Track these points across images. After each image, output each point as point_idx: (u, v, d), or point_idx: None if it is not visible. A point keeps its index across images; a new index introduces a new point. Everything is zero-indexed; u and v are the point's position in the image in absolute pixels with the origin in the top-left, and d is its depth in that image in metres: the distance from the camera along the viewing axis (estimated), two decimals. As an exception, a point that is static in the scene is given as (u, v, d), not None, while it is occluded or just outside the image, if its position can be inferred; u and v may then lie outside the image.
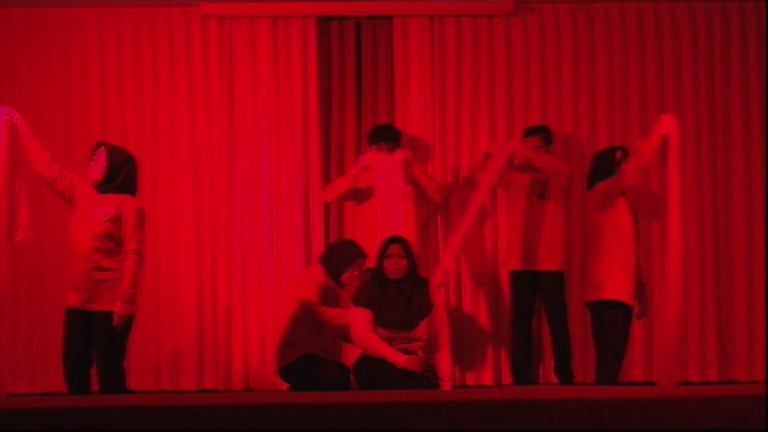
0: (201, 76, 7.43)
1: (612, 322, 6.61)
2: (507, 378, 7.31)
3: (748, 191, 7.47)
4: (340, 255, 6.55)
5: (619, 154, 6.67)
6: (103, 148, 5.91)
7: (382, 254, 6.34)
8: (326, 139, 7.54)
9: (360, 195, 7.10)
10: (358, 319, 6.25)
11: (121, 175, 5.83)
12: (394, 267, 6.30)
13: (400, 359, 6.16)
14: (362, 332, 6.23)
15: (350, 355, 6.57)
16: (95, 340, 5.82)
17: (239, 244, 7.36)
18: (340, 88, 7.57)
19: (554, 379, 7.15)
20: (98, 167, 5.83)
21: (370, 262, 6.57)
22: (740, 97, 7.50)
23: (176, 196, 7.38)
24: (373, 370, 6.20)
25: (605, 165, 6.68)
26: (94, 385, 5.92)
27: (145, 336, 7.28)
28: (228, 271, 7.36)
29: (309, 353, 6.35)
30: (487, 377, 7.37)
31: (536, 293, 7.11)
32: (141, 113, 7.40)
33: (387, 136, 7.05)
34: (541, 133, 7.12)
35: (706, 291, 7.45)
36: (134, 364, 7.24)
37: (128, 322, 5.85)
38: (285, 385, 6.62)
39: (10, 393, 6.96)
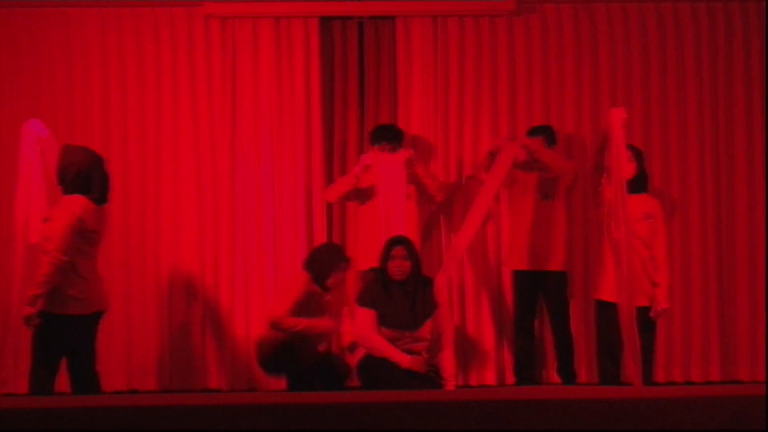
0: (204, 77, 7.42)
1: (601, 322, 6.62)
2: (510, 378, 7.30)
3: (750, 191, 7.46)
4: (322, 260, 6.52)
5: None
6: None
7: (386, 255, 6.35)
8: (329, 138, 7.53)
9: (362, 195, 7.10)
10: (362, 320, 6.26)
11: (68, 176, 5.72)
12: (398, 268, 6.30)
13: (403, 359, 6.17)
14: (366, 332, 6.23)
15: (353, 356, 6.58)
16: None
17: (242, 244, 7.36)
18: (342, 87, 7.56)
19: (557, 378, 7.15)
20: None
21: (374, 263, 6.57)
22: (743, 96, 7.49)
23: (179, 196, 7.37)
24: (377, 370, 6.20)
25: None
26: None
27: (148, 336, 7.29)
28: (231, 272, 7.35)
29: (286, 340, 6.32)
30: (490, 377, 7.36)
31: (539, 293, 7.10)
32: (143, 113, 7.39)
33: (389, 135, 7.04)
34: (545, 132, 7.11)
35: (709, 291, 7.44)
36: (136, 363, 7.28)
37: (44, 323, 5.65)
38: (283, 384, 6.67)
39: (11, 393, 6.99)
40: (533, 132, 7.11)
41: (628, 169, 6.38)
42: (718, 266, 7.47)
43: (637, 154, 6.63)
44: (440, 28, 7.51)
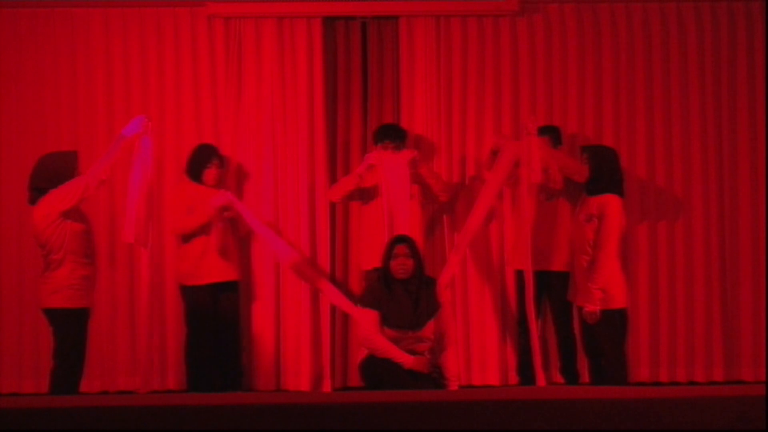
0: (207, 76, 7.42)
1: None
2: (513, 378, 7.30)
3: (753, 191, 7.45)
4: (193, 158, 6.98)
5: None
6: None
7: (389, 254, 6.35)
8: (332, 138, 7.53)
9: (366, 194, 7.09)
10: (365, 320, 6.26)
11: None
12: (401, 267, 6.30)
13: (407, 359, 6.16)
14: (369, 333, 6.23)
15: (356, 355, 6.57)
16: None
17: (245, 244, 7.35)
18: (345, 87, 7.56)
19: (560, 379, 7.14)
20: None
21: (377, 263, 6.56)
22: (746, 96, 7.48)
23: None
24: (380, 370, 6.20)
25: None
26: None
27: (150, 335, 7.28)
28: (234, 271, 7.35)
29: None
30: (493, 377, 7.36)
31: (542, 293, 7.09)
32: (147, 113, 7.34)
33: (392, 135, 7.04)
34: (551, 133, 7.08)
35: (712, 291, 7.43)
36: (139, 364, 7.27)
37: None
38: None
39: (16, 392, 7.00)
40: (540, 132, 7.06)
41: (583, 172, 6.58)
42: (721, 266, 7.46)
43: (594, 155, 6.61)
44: (443, 28, 7.50)
